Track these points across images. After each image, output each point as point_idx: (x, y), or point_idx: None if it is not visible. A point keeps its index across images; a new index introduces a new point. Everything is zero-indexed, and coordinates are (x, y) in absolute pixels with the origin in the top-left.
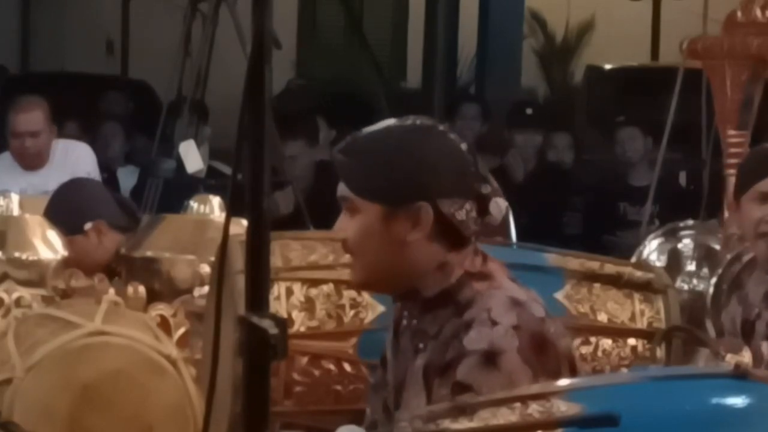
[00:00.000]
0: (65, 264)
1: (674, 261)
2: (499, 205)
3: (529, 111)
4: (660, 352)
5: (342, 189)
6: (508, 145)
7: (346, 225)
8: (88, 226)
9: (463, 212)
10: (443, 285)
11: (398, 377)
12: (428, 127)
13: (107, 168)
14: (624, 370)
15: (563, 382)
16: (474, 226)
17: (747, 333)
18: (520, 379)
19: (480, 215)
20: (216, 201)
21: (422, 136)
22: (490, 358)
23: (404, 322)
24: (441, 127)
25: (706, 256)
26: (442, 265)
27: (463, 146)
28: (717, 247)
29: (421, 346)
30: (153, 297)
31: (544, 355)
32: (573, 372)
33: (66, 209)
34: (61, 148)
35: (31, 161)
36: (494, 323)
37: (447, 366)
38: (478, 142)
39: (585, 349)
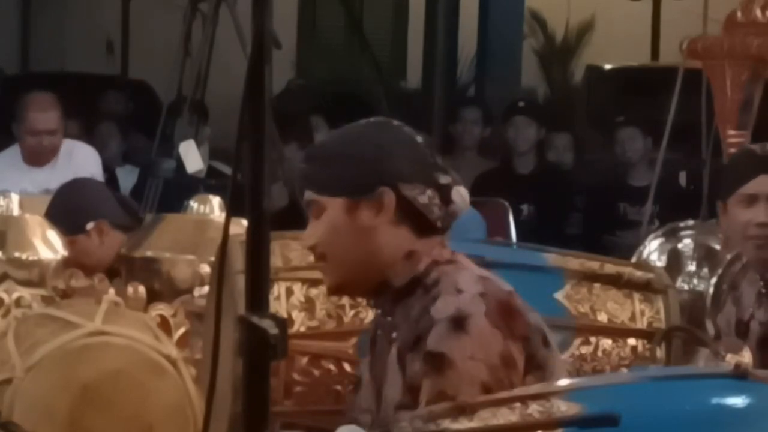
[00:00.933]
0: (65, 264)
1: (674, 261)
2: (461, 194)
3: (521, 104)
4: (660, 352)
5: (306, 195)
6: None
7: (314, 229)
8: (89, 225)
9: (426, 197)
10: (413, 273)
11: (378, 379)
12: (382, 121)
13: (107, 168)
14: (624, 370)
15: (563, 382)
16: (438, 212)
17: (741, 334)
18: (490, 341)
19: (444, 204)
20: (216, 201)
21: (376, 128)
22: (458, 322)
23: (379, 332)
24: (395, 122)
25: (706, 256)
26: (411, 254)
27: (419, 138)
28: (717, 247)
29: (394, 335)
30: (153, 297)
31: (512, 320)
32: (545, 344)
33: (67, 209)
34: (66, 148)
35: (43, 158)
36: (460, 291)
37: (417, 339)
38: (480, 145)
39: (585, 349)
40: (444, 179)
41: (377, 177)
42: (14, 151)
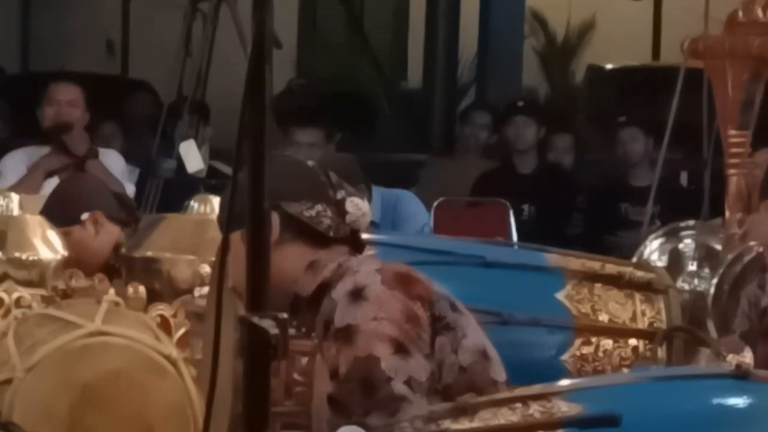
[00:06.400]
0: (65, 264)
1: (675, 261)
2: (356, 204)
3: (520, 103)
4: (661, 353)
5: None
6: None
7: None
8: (84, 216)
9: (314, 211)
10: (318, 279)
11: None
12: (275, 155)
13: None
14: (625, 370)
15: (564, 382)
16: (329, 222)
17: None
18: (389, 301)
19: (339, 215)
20: (216, 201)
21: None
22: (356, 294)
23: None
24: (287, 153)
25: (707, 256)
26: (313, 263)
27: (310, 163)
28: (718, 247)
29: (315, 341)
30: (153, 297)
31: (410, 284)
32: (454, 309)
33: (63, 201)
34: None
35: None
36: (356, 272)
37: (326, 325)
38: (484, 150)
39: (586, 350)
40: (339, 194)
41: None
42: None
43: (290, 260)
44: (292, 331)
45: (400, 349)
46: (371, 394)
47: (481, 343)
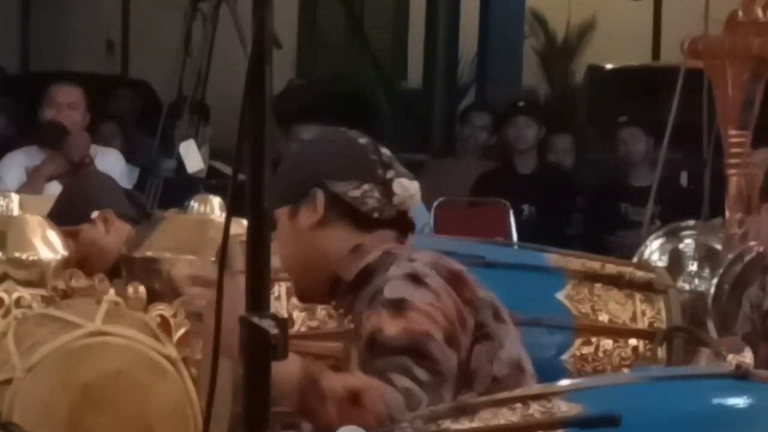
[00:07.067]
0: (65, 264)
1: (675, 261)
2: (403, 185)
3: (521, 104)
4: (661, 353)
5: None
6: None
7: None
8: (94, 214)
9: (359, 191)
10: (361, 264)
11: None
12: (328, 130)
13: None
14: (625, 370)
15: (564, 382)
16: (374, 203)
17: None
18: (446, 297)
19: (386, 196)
20: (216, 201)
21: (316, 137)
22: (414, 278)
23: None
24: (342, 129)
25: (707, 257)
26: (357, 247)
27: (362, 140)
28: (718, 247)
29: (351, 325)
30: (153, 297)
31: (462, 286)
32: (497, 318)
33: (73, 200)
34: (92, 152)
35: None
36: (412, 260)
37: (373, 296)
38: (484, 151)
39: (586, 350)
40: (389, 174)
41: (309, 180)
42: (18, 153)
43: (334, 241)
44: (330, 314)
45: (450, 341)
46: (420, 357)
47: (517, 355)
